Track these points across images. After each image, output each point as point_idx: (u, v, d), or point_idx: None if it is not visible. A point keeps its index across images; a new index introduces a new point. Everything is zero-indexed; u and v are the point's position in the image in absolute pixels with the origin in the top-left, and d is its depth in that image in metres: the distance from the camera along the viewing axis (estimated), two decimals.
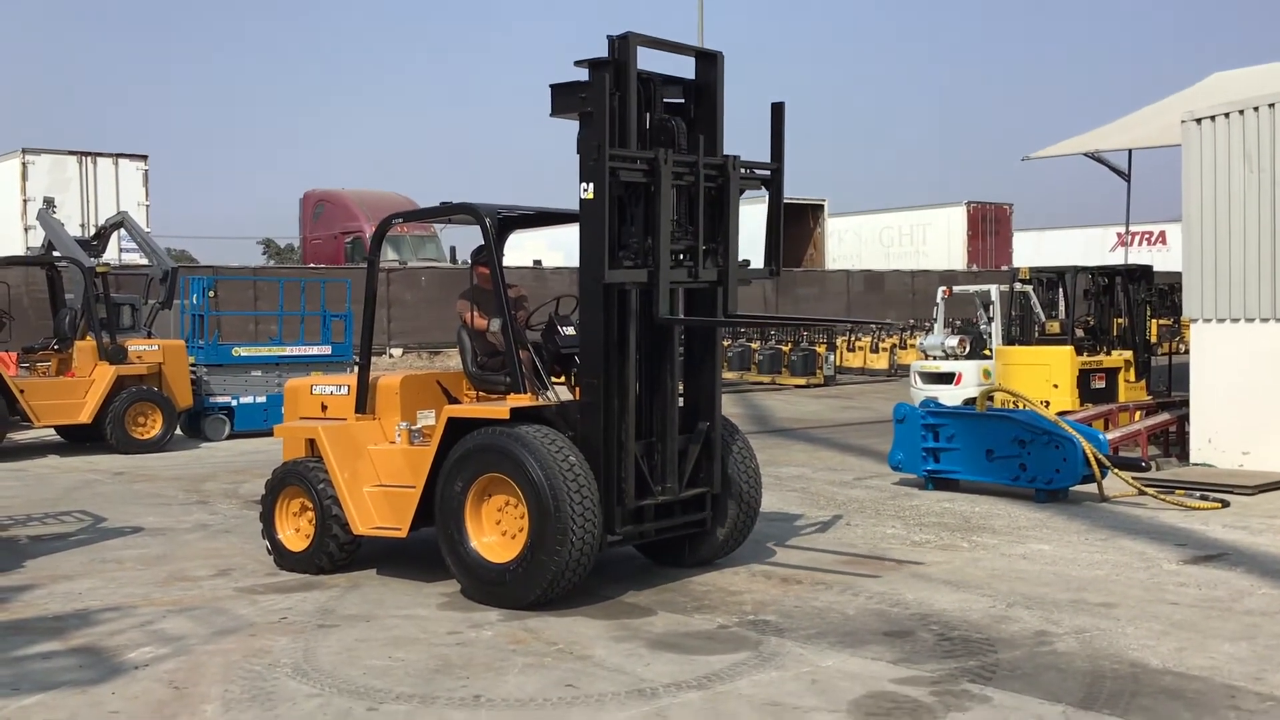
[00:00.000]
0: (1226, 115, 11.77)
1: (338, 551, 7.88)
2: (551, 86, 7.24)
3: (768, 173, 7.83)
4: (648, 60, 7.26)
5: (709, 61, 7.59)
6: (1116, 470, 10.29)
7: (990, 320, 16.89)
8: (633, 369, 7.13)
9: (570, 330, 7.63)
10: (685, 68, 7.64)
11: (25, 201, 27.59)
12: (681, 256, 7.34)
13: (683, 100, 7.59)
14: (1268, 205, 11.45)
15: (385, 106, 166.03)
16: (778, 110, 7.73)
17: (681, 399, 7.62)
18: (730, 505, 7.78)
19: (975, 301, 17.99)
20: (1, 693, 5.50)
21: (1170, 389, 15.28)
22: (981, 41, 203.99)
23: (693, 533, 7.73)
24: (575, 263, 7.27)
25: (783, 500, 10.46)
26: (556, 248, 36.95)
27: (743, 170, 7.56)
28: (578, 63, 7.08)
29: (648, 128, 7.33)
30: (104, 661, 6.00)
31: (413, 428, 7.96)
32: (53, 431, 15.61)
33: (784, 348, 25.43)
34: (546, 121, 7.26)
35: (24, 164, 28.15)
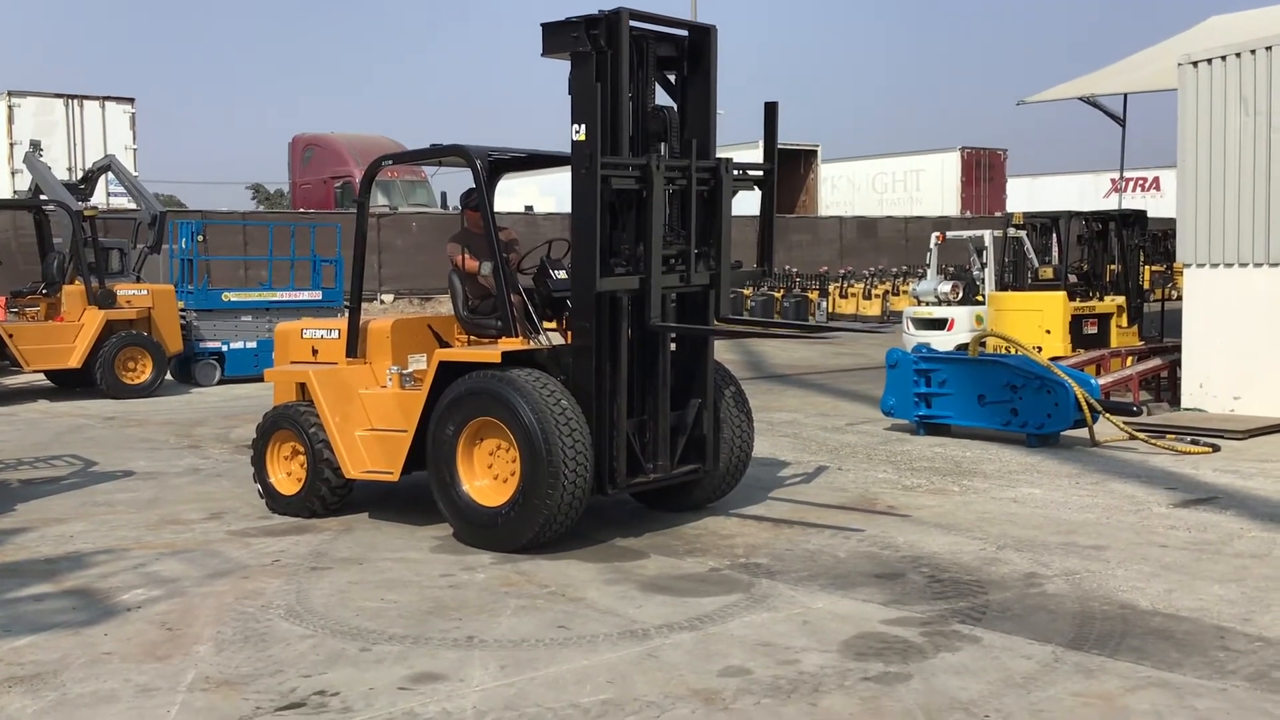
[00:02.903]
0: (1223, 58, 11.67)
1: (329, 495, 7.88)
2: (543, 26, 7.14)
3: (760, 173, 7.80)
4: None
5: (702, 34, 7.49)
6: (1108, 415, 10.32)
7: (983, 266, 16.85)
8: (625, 365, 7.10)
9: (562, 274, 7.59)
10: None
11: (11, 145, 27.29)
12: (673, 261, 7.30)
13: (674, 55, 7.47)
14: (1263, 149, 11.39)
15: (376, 50, 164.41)
16: (770, 110, 7.66)
17: (675, 343, 7.59)
18: (723, 451, 7.78)
19: (968, 247, 17.93)
20: None
21: (1162, 334, 15.32)
22: None
23: (686, 481, 7.74)
24: (567, 208, 7.22)
25: (775, 445, 10.47)
26: (548, 193, 36.77)
27: (735, 171, 7.51)
28: (569, 19, 6.97)
29: (640, 114, 7.23)
30: (96, 603, 6.01)
31: (404, 372, 7.93)
32: (42, 376, 15.57)
33: (776, 294, 25.40)
34: (538, 65, 7.19)
35: (10, 107, 27.81)
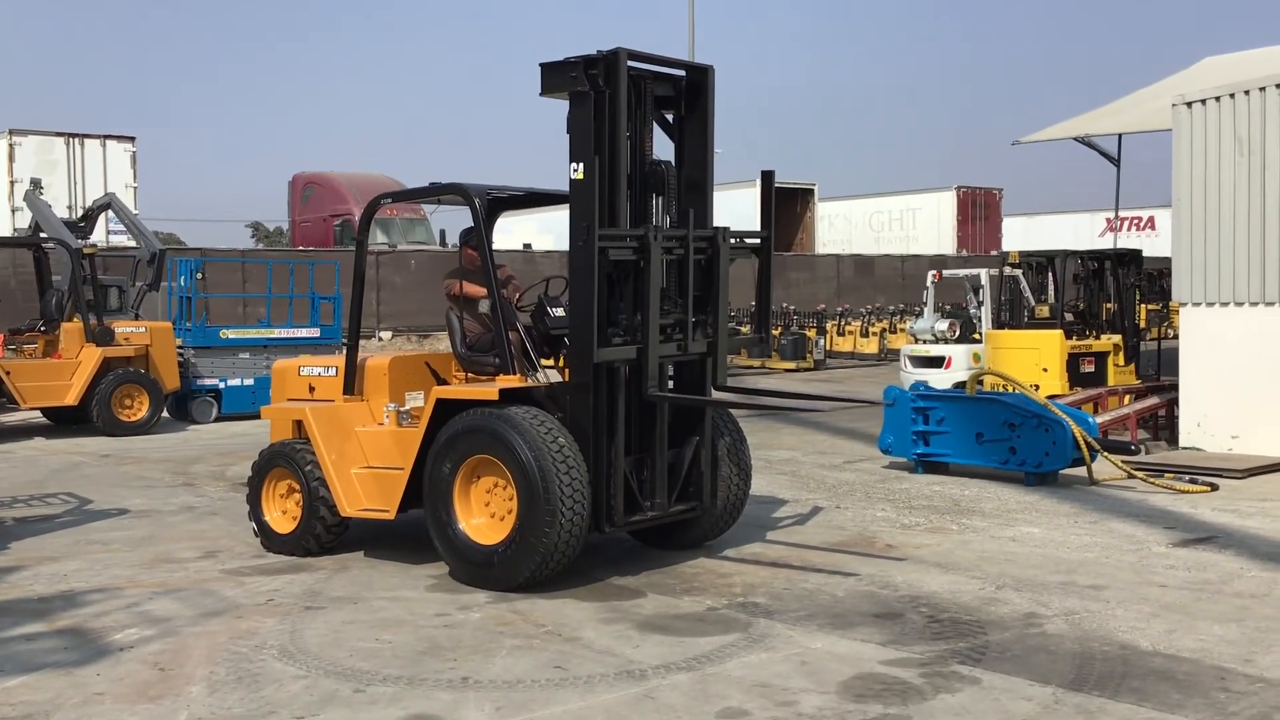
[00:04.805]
0: (1218, 99, 11.75)
1: (325, 533, 7.85)
2: (542, 66, 7.17)
3: (758, 241, 7.88)
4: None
5: (700, 75, 7.55)
6: (1106, 453, 10.30)
7: (980, 304, 16.88)
8: (622, 405, 7.10)
9: (560, 311, 7.60)
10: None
11: (12, 183, 27.39)
12: (671, 330, 7.33)
13: (672, 95, 7.52)
14: (1258, 189, 11.44)
15: (375, 89, 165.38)
16: (767, 179, 7.73)
17: (673, 382, 7.58)
18: (720, 489, 7.76)
19: (965, 286, 17.99)
20: None
21: (1159, 373, 15.30)
22: (972, 25, 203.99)
23: (683, 519, 7.71)
24: (565, 246, 7.23)
25: (772, 484, 10.44)
26: (546, 231, 36.87)
27: (733, 240, 7.56)
28: (568, 60, 7.02)
29: (639, 154, 7.27)
30: (89, 643, 5.96)
31: (401, 409, 7.92)
32: (39, 414, 15.53)
33: (774, 332, 25.40)
34: (537, 104, 7.23)
35: (11, 145, 27.94)
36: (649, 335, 7.08)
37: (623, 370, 7.11)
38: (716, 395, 7.76)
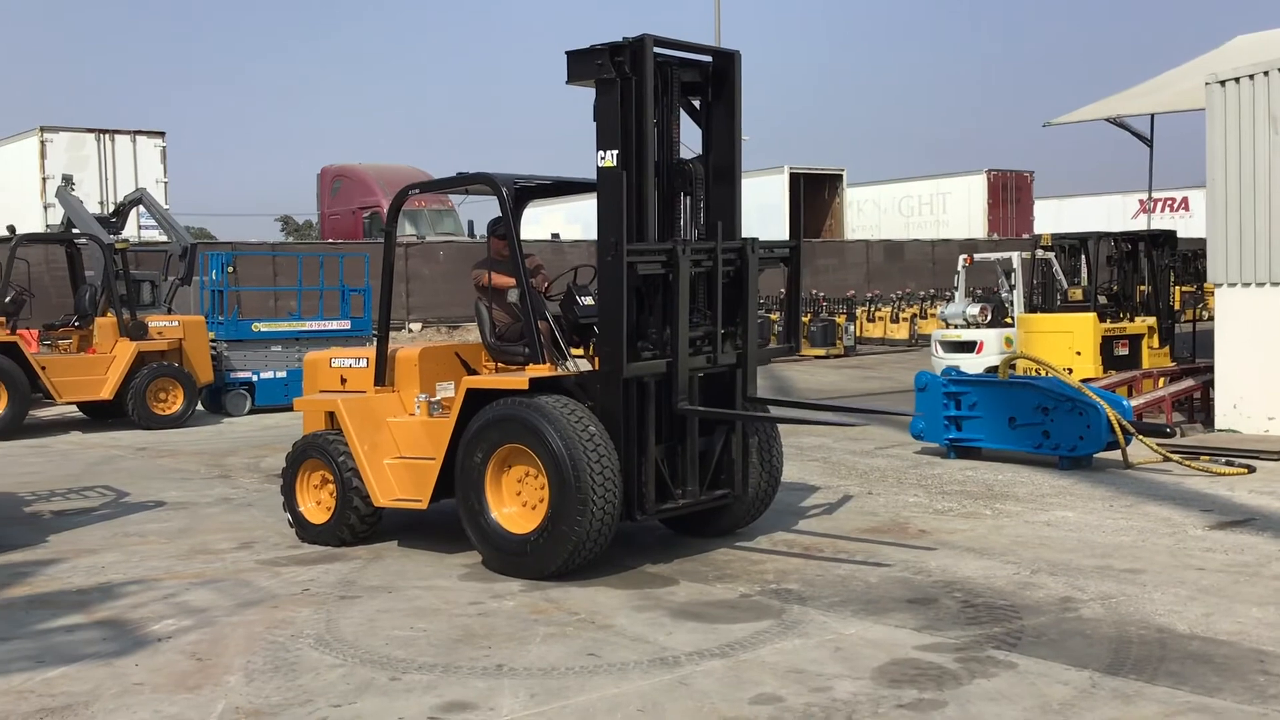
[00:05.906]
0: (1251, 77, 11.60)
1: (359, 523, 7.89)
2: (568, 53, 7.17)
3: (786, 251, 7.86)
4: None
5: (726, 60, 7.51)
6: (1141, 437, 10.22)
7: (1012, 288, 16.76)
8: (653, 394, 7.09)
9: (589, 300, 7.59)
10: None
11: (44, 179, 27.58)
12: (700, 342, 7.31)
13: (699, 81, 7.48)
14: None
15: (403, 80, 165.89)
16: (795, 183, 7.66)
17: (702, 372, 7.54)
18: (752, 476, 7.74)
19: (996, 269, 17.86)
20: (26, 665, 5.53)
21: (1194, 355, 15.16)
22: (1002, 5, 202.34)
23: (715, 507, 7.71)
24: (593, 235, 7.22)
25: (804, 470, 10.42)
26: (574, 220, 36.87)
27: (761, 251, 7.54)
28: (594, 47, 7.00)
29: (666, 140, 7.25)
30: (127, 634, 6.02)
31: (432, 399, 7.95)
32: (75, 408, 15.70)
33: (804, 318, 25.32)
34: (564, 93, 7.23)
35: (42, 142, 28.15)
36: (679, 349, 7.07)
37: (652, 385, 7.11)
38: (746, 409, 7.71)
